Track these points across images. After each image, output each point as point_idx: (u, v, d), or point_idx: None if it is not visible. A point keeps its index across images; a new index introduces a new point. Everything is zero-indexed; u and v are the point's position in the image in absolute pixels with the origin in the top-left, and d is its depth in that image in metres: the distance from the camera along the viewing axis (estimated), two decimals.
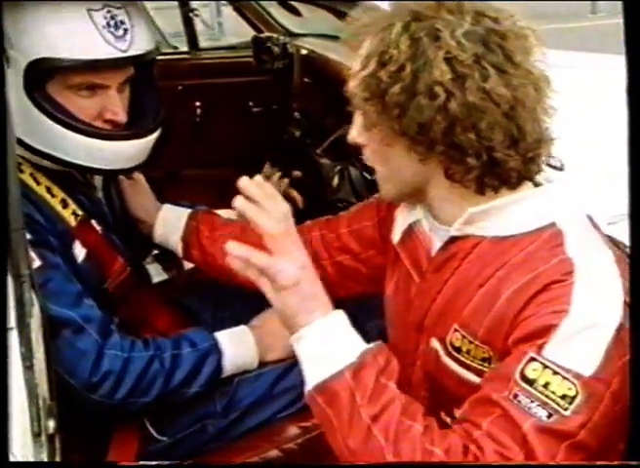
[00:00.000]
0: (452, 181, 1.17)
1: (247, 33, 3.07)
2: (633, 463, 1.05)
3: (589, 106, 2.33)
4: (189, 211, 1.79)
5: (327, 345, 1.13)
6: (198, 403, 1.60)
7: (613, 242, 1.24)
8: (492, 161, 1.13)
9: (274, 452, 1.58)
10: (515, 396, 1.05)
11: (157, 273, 2.06)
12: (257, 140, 2.83)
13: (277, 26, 2.98)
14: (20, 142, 1.42)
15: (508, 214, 1.18)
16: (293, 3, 2.91)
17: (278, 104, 2.96)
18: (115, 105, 1.51)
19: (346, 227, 1.55)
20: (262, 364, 1.66)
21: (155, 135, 1.60)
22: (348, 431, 1.08)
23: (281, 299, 1.14)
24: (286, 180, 2.05)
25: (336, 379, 1.09)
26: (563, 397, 1.03)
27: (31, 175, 1.51)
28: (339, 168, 2.14)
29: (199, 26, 3.45)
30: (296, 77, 2.69)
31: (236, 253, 1.13)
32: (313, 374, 1.12)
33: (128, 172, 1.67)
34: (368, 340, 1.16)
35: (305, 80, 2.70)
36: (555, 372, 1.04)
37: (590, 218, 1.23)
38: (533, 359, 1.05)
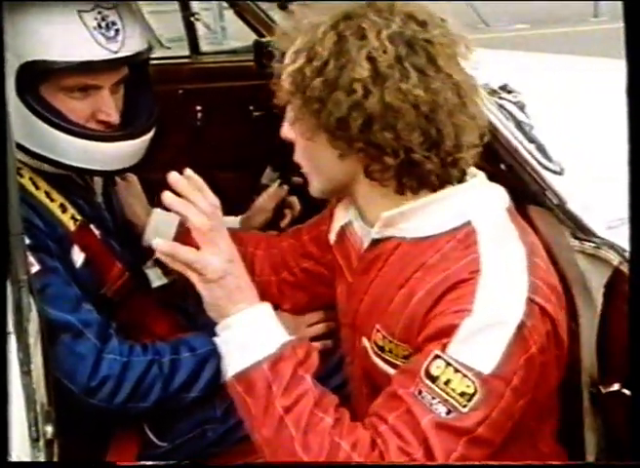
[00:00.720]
0: (370, 180, 1.20)
1: (250, 37, 3.06)
2: (633, 463, 1.05)
3: (590, 110, 2.33)
4: (179, 217, 1.78)
5: (248, 336, 1.16)
6: (198, 408, 1.59)
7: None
8: (410, 161, 1.16)
9: None
10: (419, 392, 1.09)
11: (157, 277, 2.05)
12: (257, 144, 2.82)
13: None
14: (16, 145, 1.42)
15: (426, 215, 1.21)
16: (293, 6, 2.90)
17: (279, 109, 2.96)
18: (108, 106, 1.50)
19: (307, 234, 1.61)
20: None
21: (149, 135, 1.59)
22: (263, 420, 1.11)
23: (208, 291, 1.16)
24: (285, 187, 2.05)
25: (254, 369, 1.12)
26: (462, 394, 1.07)
27: (31, 179, 1.51)
28: None
29: (202, 30, 3.45)
30: None
31: (162, 250, 1.17)
32: (234, 363, 1.15)
33: (124, 172, 1.66)
34: None
35: None
36: (457, 370, 1.08)
37: (510, 211, 1.25)
38: (437, 356, 1.09)
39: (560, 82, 2.76)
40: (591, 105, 2.36)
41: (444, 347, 1.09)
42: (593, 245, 1.41)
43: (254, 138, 2.94)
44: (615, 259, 1.38)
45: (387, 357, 1.23)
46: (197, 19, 3.27)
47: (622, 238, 1.25)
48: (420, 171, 1.17)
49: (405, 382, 1.12)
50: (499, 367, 1.07)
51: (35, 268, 1.36)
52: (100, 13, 1.45)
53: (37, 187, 1.51)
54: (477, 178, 1.26)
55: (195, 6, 3.38)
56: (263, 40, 2.86)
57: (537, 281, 1.14)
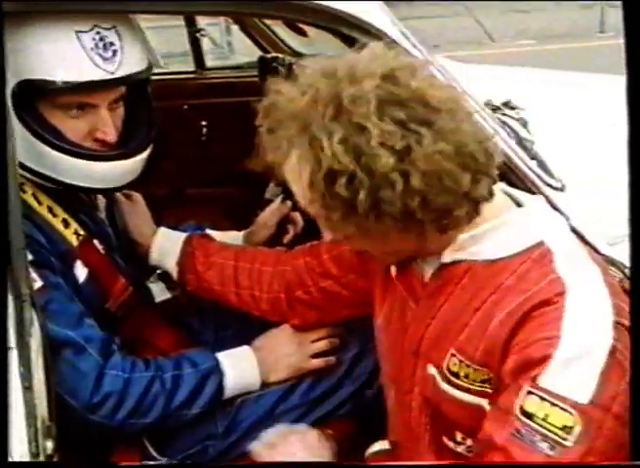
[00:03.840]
0: (445, 233, 1.17)
1: (257, 52, 3.08)
2: (633, 463, 1.03)
3: (594, 126, 2.34)
4: (185, 235, 1.79)
5: None
6: (199, 423, 1.59)
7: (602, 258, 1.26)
8: (473, 200, 1.13)
9: None
10: (517, 431, 1.05)
11: (161, 292, 2.05)
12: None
13: (283, 46, 2.99)
14: None
15: (497, 237, 1.19)
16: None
17: None
18: (105, 125, 1.50)
19: (327, 253, 1.57)
20: (265, 384, 1.65)
21: (144, 155, 1.59)
22: None
23: None
24: (289, 203, 2.05)
25: None
26: (562, 428, 1.03)
27: (33, 194, 1.51)
28: None
29: (208, 45, 3.46)
30: None
31: None
32: None
33: (121, 189, 1.66)
34: None
35: None
36: (553, 404, 1.04)
37: (576, 231, 1.25)
38: (530, 392, 1.06)
39: (565, 98, 2.76)
40: (595, 122, 2.36)
41: (535, 380, 1.05)
42: None
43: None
44: (617, 276, 1.37)
45: (462, 382, 1.19)
46: (203, 36, 3.29)
47: (624, 255, 1.25)
48: (481, 200, 1.15)
49: (499, 425, 1.08)
50: (595, 395, 1.04)
51: (38, 284, 1.36)
52: (98, 33, 1.45)
53: (40, 203, 1.52)
54: (540, 200, 1.26)
55: (202, 21, 3.40)
56: (268, 56, 2.88)
57: (618, 302, 1.11)
